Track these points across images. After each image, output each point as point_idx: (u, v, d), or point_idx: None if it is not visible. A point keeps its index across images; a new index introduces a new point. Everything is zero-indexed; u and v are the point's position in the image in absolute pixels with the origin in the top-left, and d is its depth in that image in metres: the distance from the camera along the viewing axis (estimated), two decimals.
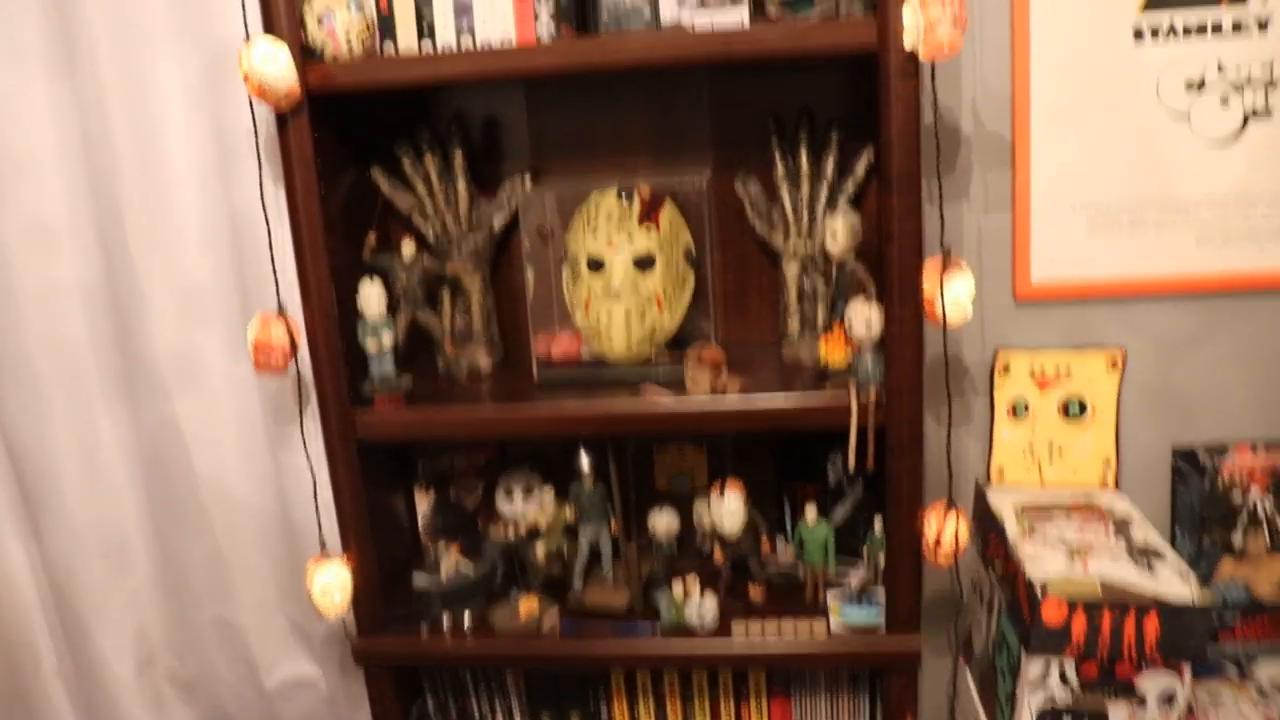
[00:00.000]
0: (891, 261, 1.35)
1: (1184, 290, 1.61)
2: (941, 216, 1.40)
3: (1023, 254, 1.61)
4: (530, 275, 1.59)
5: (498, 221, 1.62)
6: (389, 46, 1.46)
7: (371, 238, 1.58)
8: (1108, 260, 1.61)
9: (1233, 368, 1.63)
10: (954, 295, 1.33)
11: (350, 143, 1.55)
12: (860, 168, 1.52)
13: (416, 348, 1.65)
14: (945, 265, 1.34)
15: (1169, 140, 1.56)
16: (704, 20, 1.37)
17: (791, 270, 1.55)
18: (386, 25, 1.47)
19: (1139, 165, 1.57)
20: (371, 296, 1.51)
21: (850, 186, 1.53)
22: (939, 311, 1.33)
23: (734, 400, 1.45)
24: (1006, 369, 1.63)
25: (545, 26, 1.44)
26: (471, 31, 1.46)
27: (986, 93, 1.57)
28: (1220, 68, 1.53)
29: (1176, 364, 1.64)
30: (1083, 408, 1.63)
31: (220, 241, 1.66)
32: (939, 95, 1.54)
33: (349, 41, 1.42)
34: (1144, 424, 1.66)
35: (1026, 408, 1.64)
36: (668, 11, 1.43)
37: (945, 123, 1.58)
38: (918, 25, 1.25)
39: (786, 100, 1.56)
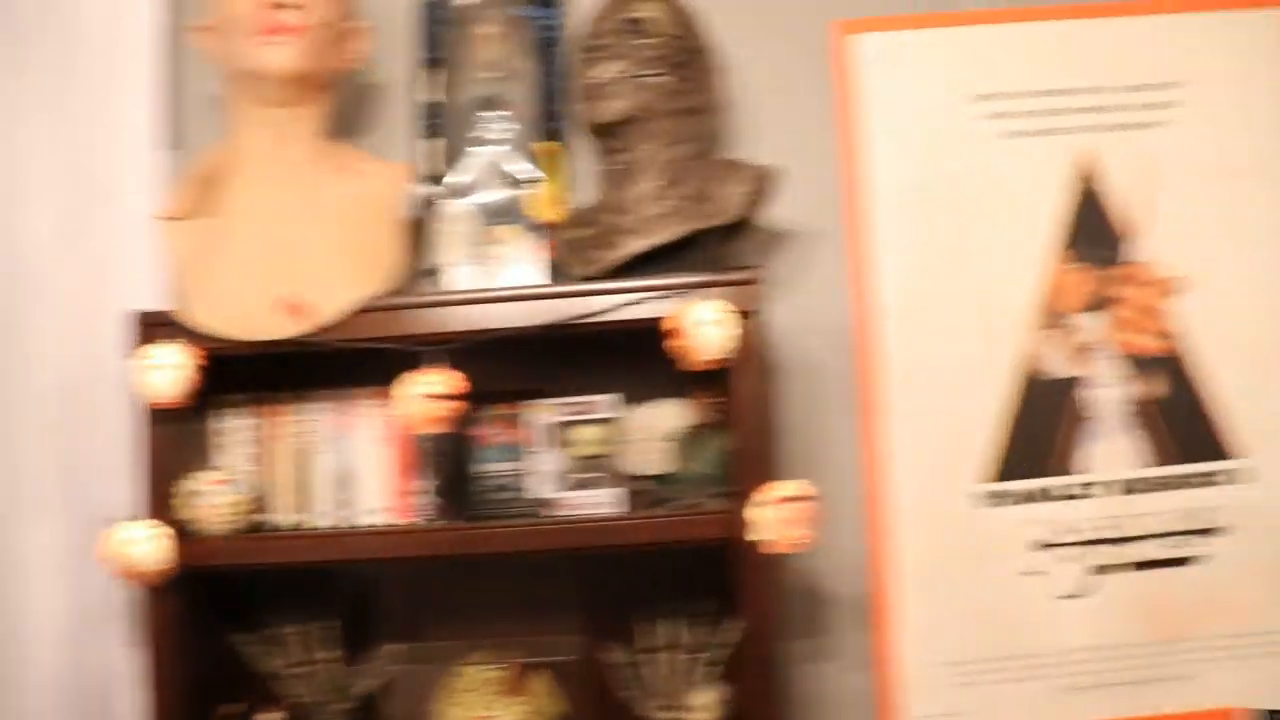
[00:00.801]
0: None
1: None
2: None
3: (892, 713, 1.62)
4: None
5: (365, 690, 1.59)
6: (268, 518, 1.50)
7: (233, 708, 1.54)
8: (979, 716, 1.62)
9: None
10: None
11: (217, 608, 1.55)
12: (729, 637, 1.55)
13: None
14: None
15: (1025, 597, 1.63)
16: (577, 502, 1.46)
17: None
18: (266, 496, 1.52)
19: (1000, 622, 1.63)
20: None
21: (719, 656, 1.55)
22: None
23: None
24: None
25: (422, 503, 1.51)
26: (350, 505, 1.52)
27: (848, 553, 1.64)
28: (1063, 529, 1.64)
29: None
30: None
31: (73, 706, 1.60)
32: (804, 559, 1.61)
33: (225, 519, 1.45)
34: None
35: None
36: (541, 490, 1.52)
37: (809, 587, 1.64)
38: (765, 524, 1.33)
39: (657, 570, 1.61)
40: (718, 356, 1.34)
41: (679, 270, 1.45)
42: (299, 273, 1.43)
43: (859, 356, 1.65)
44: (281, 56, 1.43)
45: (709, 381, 1.47)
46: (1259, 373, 1.65)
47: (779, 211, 1.63)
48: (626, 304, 1.38)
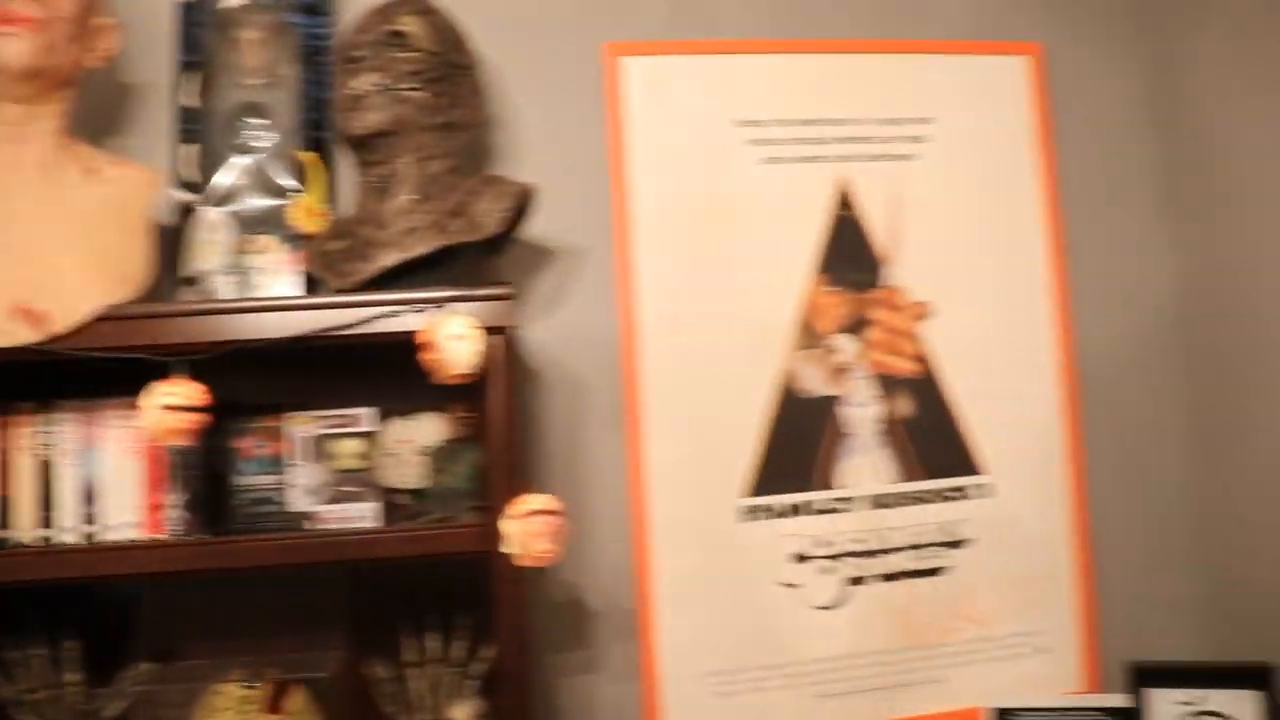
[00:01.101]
0: None
1: None
2: None
3: None
4: None
5: (113, 713, 1.53)
6: (8, 534, 1.43)
7: None
8: None
9: None
10: None
11: None
12: (489, 650, 1.55)
13: None
14: None
15: (783, 608, 1.70)
16: (335, 515, 1.44)
17: None
18: (5, 511, 1.45)
19: (758, 632, 1.69)
20: None
21: (479, 670, 1.55)
22: None
23: None
24: None
25: (174, 517, 1.46)
26: (97, 520, 1.46)
27: (613, 565, 1.68)
28: (819, 542, 1.71)
29: None
30: None
31: None
32: (567, 572, 1.63)
33: None
34: None
35: None
36: (300, 503, 1.49)
37: (573, 597, 1.66)
38: (517, 537, 1.34)
39: (420, 584, 1.60)
40: (468, 371, 1.34)
41: (438, 284, 1.45)
42: (35, 278, 1.37)
43: (624, 372, 1.68)
44: (13, 49, 1.36)
45: (464, 395, 1.48)
46: (997, 395, 1.77)
47: (546, 227, 1.65)
48: (379, 317, 1.37)
